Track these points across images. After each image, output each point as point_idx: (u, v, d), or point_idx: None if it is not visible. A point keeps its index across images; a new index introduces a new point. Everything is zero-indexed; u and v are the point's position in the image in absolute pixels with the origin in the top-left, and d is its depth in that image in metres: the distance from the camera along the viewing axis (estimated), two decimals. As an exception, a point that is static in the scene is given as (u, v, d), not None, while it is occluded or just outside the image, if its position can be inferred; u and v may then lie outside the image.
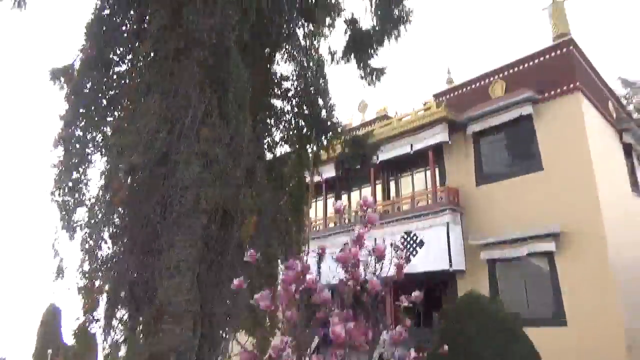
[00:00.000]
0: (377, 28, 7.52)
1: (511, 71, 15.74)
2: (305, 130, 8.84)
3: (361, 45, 7.68)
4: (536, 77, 14.98)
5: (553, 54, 14.83)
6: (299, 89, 8.71)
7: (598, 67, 16.43)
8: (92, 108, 6.68)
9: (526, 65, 15.44)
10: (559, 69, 14.60)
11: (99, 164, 6.68)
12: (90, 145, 6.70)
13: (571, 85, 14.37)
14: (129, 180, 5.92)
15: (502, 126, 15.56)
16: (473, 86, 16.65)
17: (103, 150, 6.69)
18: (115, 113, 6.83)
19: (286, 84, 8.76)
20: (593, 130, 14.52)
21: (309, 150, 9.13)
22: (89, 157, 6.62)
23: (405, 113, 18.18)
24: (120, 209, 6.19)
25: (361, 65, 7.87)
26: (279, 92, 8.88)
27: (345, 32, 7.89)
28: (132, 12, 6.73)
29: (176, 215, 4.68)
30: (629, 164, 17.83)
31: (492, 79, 16.14)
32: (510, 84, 15.59)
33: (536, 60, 15.22)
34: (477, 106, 15.92)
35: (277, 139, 9.01)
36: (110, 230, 6.26)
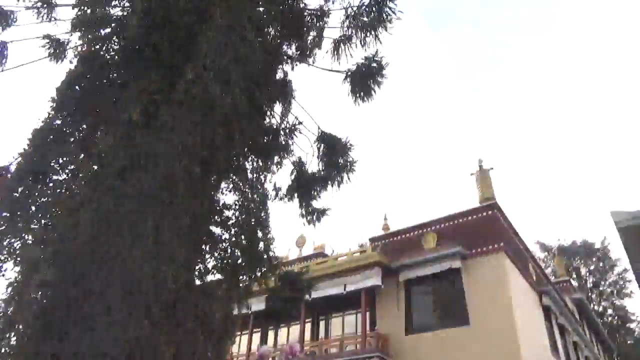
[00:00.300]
0: (322, 173, 7.97)
1: (443, 225, 16.75)
2: (240, 260, 8.72)
3: (305, 187, 8.03)
4: (465, 234, 15.99)
5: (480, 215, 16.10)
6: (240, 219, 8.76)
7: (520, 230, 17.87)
8: (18, 213, 6.33)
9: (456, 221, 16.54)
10: (485, 229, 15.72)
11: (9, 273, 6.14)
12: (4, 252, 6.21)
13: (496, 246, 15.38)
14: (38, 296, 5.42)
15: (433, 277, 16.04)
16: (407, 235, 17.43)
17: (18, 259, 6.20)
18: (43, 221, 6.49)
19: (228, 213, 8.81)
20: (516, 290, 15.24)
21: (241, 281, 8.90)
22: (1, 265, 6.09)
23: (342, 253, 18.50)
24: (20, 327, 5.57)
25: (303, 205, 8.14)
26: (219, 219, 8.88)
27: (292, 173, 8.27)
28: (84, 126, 6.79)
29: (81, 347, 4.25)
30: (548, 326, 18.49)
31: (425, 230, 17.02)
32: (441, 237, 16.47)
33: (465, 219, 16.38)
34: (410, 254, 16.50)
35: (210, 266, 8.79)
36: (3, 350, 5.55)
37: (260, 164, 8.47)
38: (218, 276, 8.85)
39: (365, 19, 7.73)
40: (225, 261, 8.79)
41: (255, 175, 8.62)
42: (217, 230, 8.97)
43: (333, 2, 8.16)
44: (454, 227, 16.37)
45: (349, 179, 7.96)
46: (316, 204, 8.29)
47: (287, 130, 8.18)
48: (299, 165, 8.25)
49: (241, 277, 8.80)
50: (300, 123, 8.09)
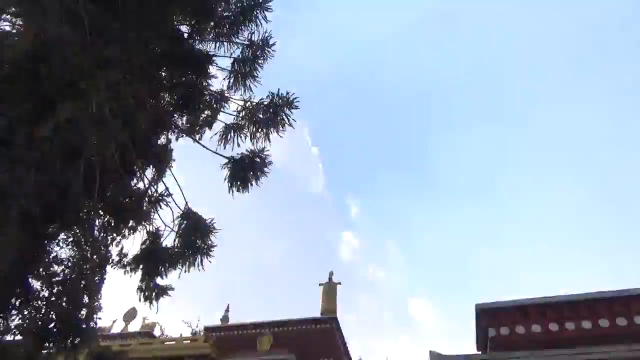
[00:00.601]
0: (177, 250, 7.60)
1: (280, 329, 16.59)
2: (53, 325, 7.64)
3: (154, 261, 7.54)
4: (300, 342, 15.98)
5: (318, 326, 16.36)
6: (68, 277, 7.84)
7: (351, 349, 18.38)
8: None
9: (294, 328, 16.53)
10: (320, 341, 15.92)
11: None
12: None
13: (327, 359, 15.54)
14: None
15: (260, 381, 15.47)
16: (244, 332, 16.88)
17: None
18: None
19: (57, 268, 7.85)
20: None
21: (46, 349, 7.74)
22: None
23: (171, 337, 17.18)
24: None
25: (146, 278, 7.59)
26: (44, 272, 7.85)
27: (144, 242, 7.77)
28: None
29: None
30: None
31: (262, 330, 16.66)
32: (277, 341, 16.22)
33: (303, 327, 16.48)
34: (243, 353, 15.89)
35: (13, 324, 7.54)
36: None
37: (112, 224, 7.87)
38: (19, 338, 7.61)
39: (260, 115, 8.09)
40: (34, 322, 7.64)
41: (102, 234, 7.94)
42: (37, 284, 7.88)
43: (235, 92, 8.46)
44: (291, 333, 16.28)
45: (201, 263, 7.69)
46: (160, 280, 7.78)
47: (153, 198, 7.82)
48: (155, 236, 7.81)
49: (48, 344, 7.66)
50: (169, 195, 7.81)
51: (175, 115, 8.58)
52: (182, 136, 8.60)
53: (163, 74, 8.52)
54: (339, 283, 18.02)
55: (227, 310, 18.54)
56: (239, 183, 7.86)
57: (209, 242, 7.95)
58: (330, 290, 17.52)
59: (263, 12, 8.23)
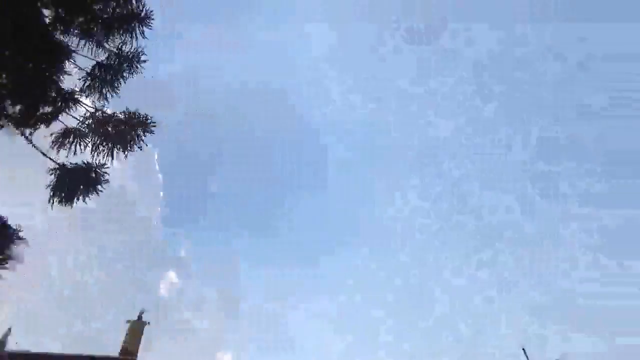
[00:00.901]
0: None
1: (67, 365, 14.64)
2: None
3: None
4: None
5: (114, 366, 14.81)
6: None
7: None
8: None
9: (85, 365, 14.74)
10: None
11: None
12: None
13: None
14: None
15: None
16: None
17: None
18: None
19: None
20: None
21: None
22: None
23: None
24: None
25: None
26: None
27: None
28: None
29: None
30: None
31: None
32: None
33: (96, 365, 14.78)
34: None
35: None
36: None
37: None
38: None
39: (110, 129, 7.54)
40: None
41: None
42: None
43: (88, 97, 7.80)
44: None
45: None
46: None
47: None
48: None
49: None
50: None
51: (8, 100, 7.51)
52: (9, 126, 7.53)
53: (7, 52, 7.49)
54: (148, 323, 16.72)
55: (6, 335, 15.75)
56: (63, 195, 7.03)
57: (8, 252, 6.87)
58: (136, 329, 16.14)
59: (142, 26, 7.87)
